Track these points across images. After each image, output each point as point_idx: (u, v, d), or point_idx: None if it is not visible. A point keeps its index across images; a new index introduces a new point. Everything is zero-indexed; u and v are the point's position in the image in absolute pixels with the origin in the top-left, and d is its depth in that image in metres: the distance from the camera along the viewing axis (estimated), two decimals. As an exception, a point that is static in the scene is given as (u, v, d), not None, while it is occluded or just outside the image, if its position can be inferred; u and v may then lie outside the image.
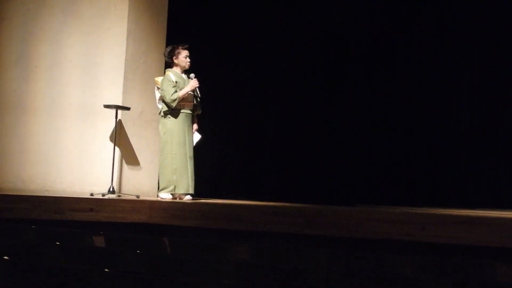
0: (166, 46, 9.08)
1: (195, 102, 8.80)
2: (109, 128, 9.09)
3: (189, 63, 8.78)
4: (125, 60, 9.21)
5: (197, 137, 8.84)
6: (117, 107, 8.93)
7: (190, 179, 8.65)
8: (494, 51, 10.30)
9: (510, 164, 10.25)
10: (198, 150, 8.87)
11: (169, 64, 8.84)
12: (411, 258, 4.86)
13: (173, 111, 8.68)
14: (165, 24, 9.58)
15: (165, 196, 8.62)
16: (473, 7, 10.34)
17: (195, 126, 8.87)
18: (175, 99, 8.61)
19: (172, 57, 8.78)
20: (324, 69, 10.78)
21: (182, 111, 8.70)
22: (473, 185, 10.22)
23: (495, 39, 10.29)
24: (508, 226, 6.55)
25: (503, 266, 4.78)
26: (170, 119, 8.69)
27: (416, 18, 10.48)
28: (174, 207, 8.15)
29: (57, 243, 4.77)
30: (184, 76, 8.79)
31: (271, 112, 10.79)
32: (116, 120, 8.96)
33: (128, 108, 9.03)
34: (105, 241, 5.62)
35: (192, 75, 8.75)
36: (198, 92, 8.79)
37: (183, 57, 8.76)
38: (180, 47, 8.78)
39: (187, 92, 8.67)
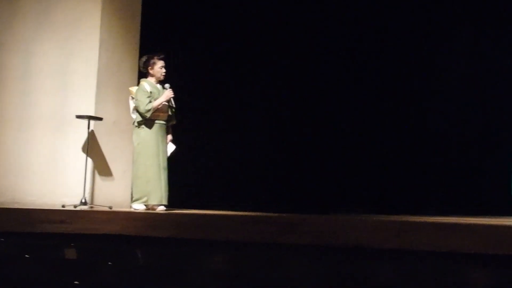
0: (141, 56, 9.03)
1: (169, 112, 8.76)
2: (81, 138, 9.02)
3: (164, 74, 8.73)
4: (98, 69, 9.15)
5: (171, 147, 8.80)
6: (90, 117, 8.86)
7: (163, 190, 8.60)
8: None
9: (484, 171, 10.30)
10: (172, 160, 8.82)
11: (144, 74, 8.79)
12: (386, 266, 4.84)
13: (147, 121, 8.62)
14: (138, 33, 9.53)
15: (138, 207, 8.56)
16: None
17: (170, 137, 8.83)
18: (149, 110, 8.56)
19: (148, 67, 8.73)
20: (294, 81, 10.76)
21: (156, 121, 8.65)
22: (447, 193, 10.26)
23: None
24: (482, 232, 6.56)
25: (478, 272, 4.77)
26: (144, 130, 8.64)
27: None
28: (147, 218, 8.08)
29: (27, 255, 4.70)
30: (159, 86, 8.74)
31: (245, 123, 10.76)
32: (88, 130, 8.89)
33: (100, 119, 8.96)
34: (77, 253, 5.55)
35: (167, 85, 8.71)
36: (173, 103, 8.75)
37: (158, 68, 8.71)
38: (155, 57, 8.73)
39: (162, 103, 8.62)
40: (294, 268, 4.95)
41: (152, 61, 8.73)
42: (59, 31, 9.35)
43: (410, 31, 10.59)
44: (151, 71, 8.74)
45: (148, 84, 8.71)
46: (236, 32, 10.77)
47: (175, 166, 9.20)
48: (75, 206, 8.50)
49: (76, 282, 3.43)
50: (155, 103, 8.59)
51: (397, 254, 6.60)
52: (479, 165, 10.32)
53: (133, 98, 8.72)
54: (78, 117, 8.84)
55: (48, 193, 9.06)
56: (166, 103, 8.69)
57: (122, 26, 9.41)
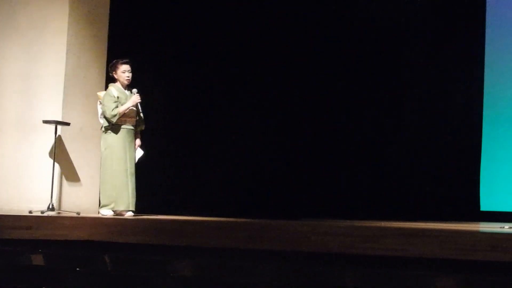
0: (109, 61, 9.00)
1: (137, 117, 8.74)
2: (48, 143, 8.96)
3: (128, 79, 8.70)
4: (65, 74, 9.09)
5: (139, 153, 8.78)
6: (57, 123, 8.81)
7: (130, 196, 8.58)
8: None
9: (450, 177, 10.38)
10: (139, 165, 8.80)
11: (113, 79, 8.77)
12: (353, 271, 4.88)
13: (114, 126, 8.60)
14: (105, 38, 9.49)
15: (106, 212, 8.53)
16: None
17: (138, 142, 8.80)
18: (115, 115, 8.54)
19: (113, 71, 8.72)
20: (259, 84, 10.79)
21: (123, 126, 8.63)
22: (414, 199, 10.33)
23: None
24: (447, 238, 6.63)
25: (443, 277, 4.83)
26: (111, 135, 8.62)
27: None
28: (115, 224, 8.06)
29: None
30: (127, 91, 8.72)
31: (213, 127, 10.76)
32: (55, 135, 8.83)
33: (68, 124, 8.91)
34: (44, 259, 5.52)
35: (134, 90, 8.69)
36: (140, 108, 8.73)
37: (121, 72, 8.68)
38: (119, 62, 8.71)
39: (128, 108, 8.60)
40: (264, 274, 4.97)
41: (116, 65, 8.71)
42: (24, 35, 9.28)
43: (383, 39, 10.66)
44: (115, 76, 8.72)
45: (115, 89, 8.69)
46: (210, 34, 10.77)
47: (144, 172, 9.18)
48: (42, 212, 8.44)
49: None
50: (121, 109, 8.57)
51: (364, 259, 6.65)
52: (448, 172, 10.40)
53: (101, 103, 8.70)
54: (45, 122, 8.78)
55: (15, 199, 8.98)
56: (134, 108, 8.67)
57: (90, 30, 9.36)
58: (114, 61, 8.78)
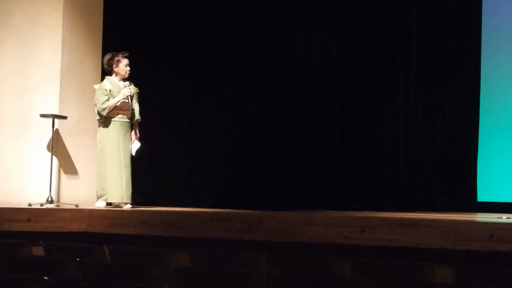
0: (104, 54, 9.02)
1: (133, 110, 8.75)
2: (46, 137, 8.98)
3: (128, 72, 8.73)
4: (61, 68, 9.11)
5: (136, 145, 8.79)
6: (54, 116, 8.83)
7: (124, 188, 8.59)
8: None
9: (447, 168, 10.39)
10: (136, 157, 8.83)
11: (108, 72, 8.78)
12: (350, 261, 4.91)
13: (107, 119, 8.64)
14: (100, 32, 9.49)
15: (100, 204, 8.60)
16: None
17: (135, 135, 8.81)
18: (104, 108, 8.57)
19: (112, 65, 8.71)
20: (256, 76, 10.80)
21: (116, 119, 8.65)
22: (410, 189, 10.34)
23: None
24: (445, 228, 6.67)
25: (441, 268, 4.85)
26: (105, 128, 8.66)
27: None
28: (113, 216, 8.10)
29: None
30: (121, 84, 8.73)
31: (209, 118, 10.78)
32: (53, 129, 8.86)
33: (65, 117, 8.94)
34: (44, 251, 5.55)
35: (126, 83, 8.69)
36: (130, 101, 8.68)
37: (123, 66, 8.70)
38: (120, 55, 8.71)
39: (119, 101, 8.61)
40: (260, 265, 5.00)
41: (116, 58, 8.72)
42: (19, 31, 9.29)
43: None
44: (115, 69, 8.72)
45: (109, 82, 8.70)
46: (207, 26, 10.76)
47: (140, 163, 9.21)
48: (41, 205, 8.47)
49: (45, 278, 3.45)
50: (111, 102, 8.58)
51: (361, 249, 6.69)
52: (443, 163, 10.41)
53: (95, 96, 8.74)
54: (42, 116, 8.80)
55: (14, 192, 9.01)
56: (126, 101, 8.66)
57: (84, 25, 9.37)
58: (111, 54, 8.76)
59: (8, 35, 9.33)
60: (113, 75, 8.75)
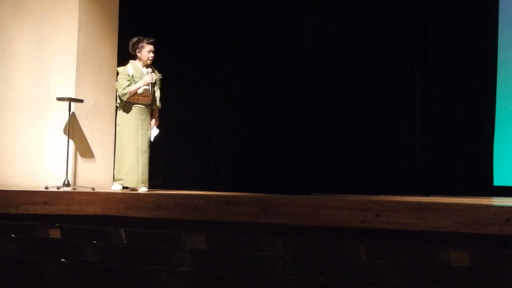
0: (120, 38, 9.02)
1: (154, 96, 8.76)
2: (63, 121, 9.02)
3: (151, 59, 8.70)
4: (77, 52, 9.13)
5: (155, 132, 8.80)
6: (70, 100, 8.86)
7: (140, 173, 8.62)
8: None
9: (463, 152, 10.38)
10: (154, 141, 8.85)
11: (133, 56, 8.78)
12: (366, 245, 4.92)
13: (127, 104, 8.67)
14: (116, 15, 9.49)
15: (116, 187, 8.66)
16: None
17: (154, 121, 8.81)
18: (125, 93, 8.59)
19: (136, 49, 8.70)
20: (275, 60, 10.77)
21: (136, 105, 8.67)
22: (426, 173, 10.32)
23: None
24: (460, 212, 6.66)
25: (457, 251, 4.86)
26: (124, 112, 8.70)
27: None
28: (129, 199, 8.14)
29: (12, 235, 4.74)
30: (145, 70, 8.72)
31: (225, 102, 10.76)
32: (69, 112, 8.89)
33: (81, 101, 8.96)
34: (61, 233, 5.59)
35: (148, 69, 8.70)
36: (151, 88, 8.69)
37: (146, 52, 8.67)
38: (145, 41, 8.68)
39: (139, 87, 8.63)
40: (276, 248, 5.02)
41: (141, 44, 8.69)
42: (35, 15, 9.31)
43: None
44: (138, 54, 8.72)
45: (133, 67, 8.70)
46: (227, 13, 10.72)
47: (158, 147, 9.24)
48: (58, 188, 8.51)
49: (62, 260, 3.48)
50: (132, 88, 8.60)
51: (377, 233, 6.70)
52: (459, 146, 10.39)
53: (118, 80, 8.77)
54: (59, 99, 8.83)
55: (31, 175, 9.06)
56: (147, 87, 8.68)
57: (101, 8, 9.38)
58: (137, 38, 8.72)
59: (25, 19, 9.36)
60: (137, 60, 8.74)
